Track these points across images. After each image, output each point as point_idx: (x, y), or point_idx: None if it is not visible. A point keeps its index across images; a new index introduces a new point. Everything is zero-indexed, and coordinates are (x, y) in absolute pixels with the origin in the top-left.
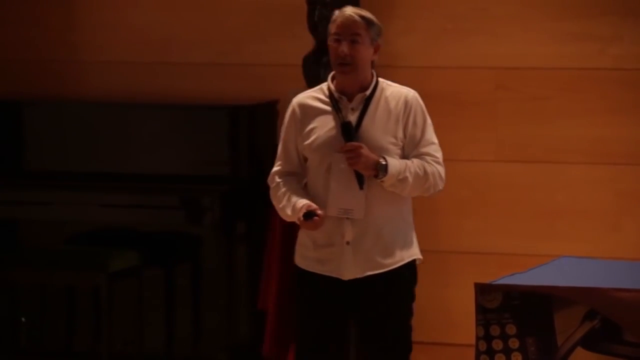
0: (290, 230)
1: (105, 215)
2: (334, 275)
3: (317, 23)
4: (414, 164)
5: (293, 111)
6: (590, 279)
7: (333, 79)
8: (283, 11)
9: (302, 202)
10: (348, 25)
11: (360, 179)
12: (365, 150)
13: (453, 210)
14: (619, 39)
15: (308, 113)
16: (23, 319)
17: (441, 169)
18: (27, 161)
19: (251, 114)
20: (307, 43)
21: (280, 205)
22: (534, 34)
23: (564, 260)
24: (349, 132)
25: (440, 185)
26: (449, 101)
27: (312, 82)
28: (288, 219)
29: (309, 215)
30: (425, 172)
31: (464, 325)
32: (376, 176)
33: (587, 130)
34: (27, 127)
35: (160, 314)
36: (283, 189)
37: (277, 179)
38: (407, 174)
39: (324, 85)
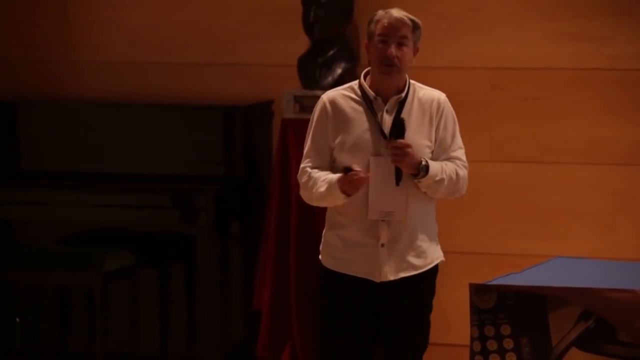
0: (285, 229)
1: (99, 215)
2: (365, 276)
3: (313, 23)
4: (447, 166)
5: (324, 108)
6: (584, 279)
7: (365, 78)
8: (278, 11)
9: (338, 175)
10: (397, 27)
11: (398, 177)
12: (412, 150)
13: (448, 210)
14: (614, 39)
15: (340, 111)
16: (17, 319)
17: (467, 173)
18: (22, 161)
19: (246, 114)
20: (302, 43)
21: (314, 190)
22: (528, 34)
23: (558, 261)
24: (401, 128)
25: (465, 190)
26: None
27: (307, 83)
28: (322, 202)
29: (347, 170)
30: (457, 175)
31: (458, 325)
32: (415, 175)
33: (583, 130)
34: (22, 126)
35: (155, 314)
36: (315, 175)
37: (309, 170)
38: (444, 176)
39: (355, 84)
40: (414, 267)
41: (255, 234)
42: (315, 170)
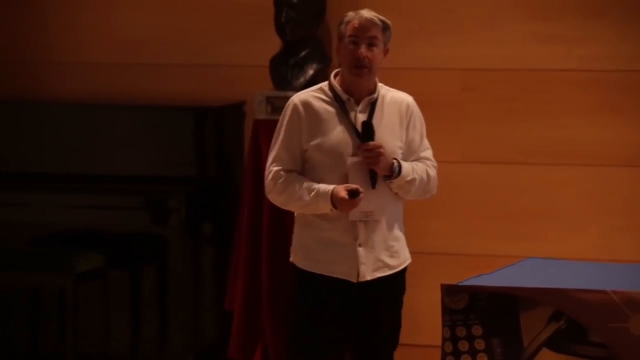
0: (257, 230)
1: (71, 217)
2: (344, 277)
3: (285, 25)
4: (418, 167)
5: (296, 110)
6: (556, 280)
7: (335, 79)
8: (251, 13)
9: (329, 187)
10: (368, 27)
11: (374, 179)
12: (384, 151)
13: (419, 211)
14: (584, 40)
15: (313, 113)
16: None
17: (436, 174)
18: None
19: (218, 115)
20: (274, 45)
21: (296, 195)
22: (500, 35)
23: (530, 262)
24: (370, 132)
25: (435, 190)
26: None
27: (279, 84)
28: (300, 209)
29: (355, 194)
30: (428, 175)
31: (430, 326)
32: (389, 177)
33: (554, 131)
34: None
35: (127, 316)
36: (295, 181)
37: (283, 174)
38: (415, 176)
39: (325, 86)
40: (389, 267)
41: (227, 235)
42: (292, 175)
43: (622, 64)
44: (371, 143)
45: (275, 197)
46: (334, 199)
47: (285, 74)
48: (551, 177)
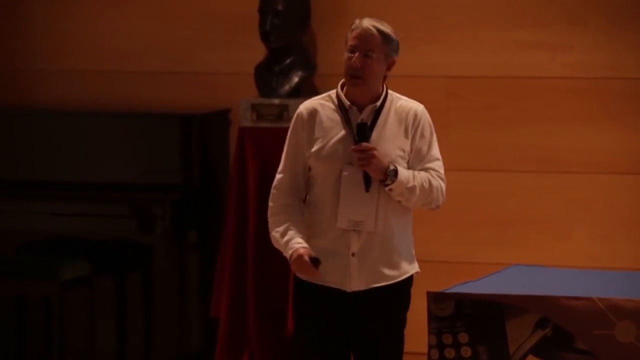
0: (242, 237)
1: (56, 224)
2: (336, 286)
3: (269, 32)
4: (420, 175)
5: (300, 117)
6: (541, 287)
7: (343, 87)
8: (235, 20)
9: (298, 244)
10: (365, 38)
11: (367, 182)
12: (378, 153)
13: None
14: (568, 48)
15: (316, 119)
16: None
17: (444, 185)
18: None
19: (203, 122)
20: (259, 52)
21: (276, 235)
22: (485, 42)
23: (515, 269)
24: (364, 132)
25: (441, 201)
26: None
27: (264, 91)
28: (274, 244)
29: (317, 262)
30: (430, 184)
31: (416, 333)
32: (384, 181)
33: (538, 138)
34: None
35: (112, 323)
36: (283, 217)
37: (281, 201)
38: (415, 183)
39: (332, 93)
40: (386, 277)
41: (212, 242)
42: (285, 209)
43: (606, 71)
44: (363, 144)
45: (268, 217)
46: (294, 257)
47: (270, 81)
48: (535, 184)
